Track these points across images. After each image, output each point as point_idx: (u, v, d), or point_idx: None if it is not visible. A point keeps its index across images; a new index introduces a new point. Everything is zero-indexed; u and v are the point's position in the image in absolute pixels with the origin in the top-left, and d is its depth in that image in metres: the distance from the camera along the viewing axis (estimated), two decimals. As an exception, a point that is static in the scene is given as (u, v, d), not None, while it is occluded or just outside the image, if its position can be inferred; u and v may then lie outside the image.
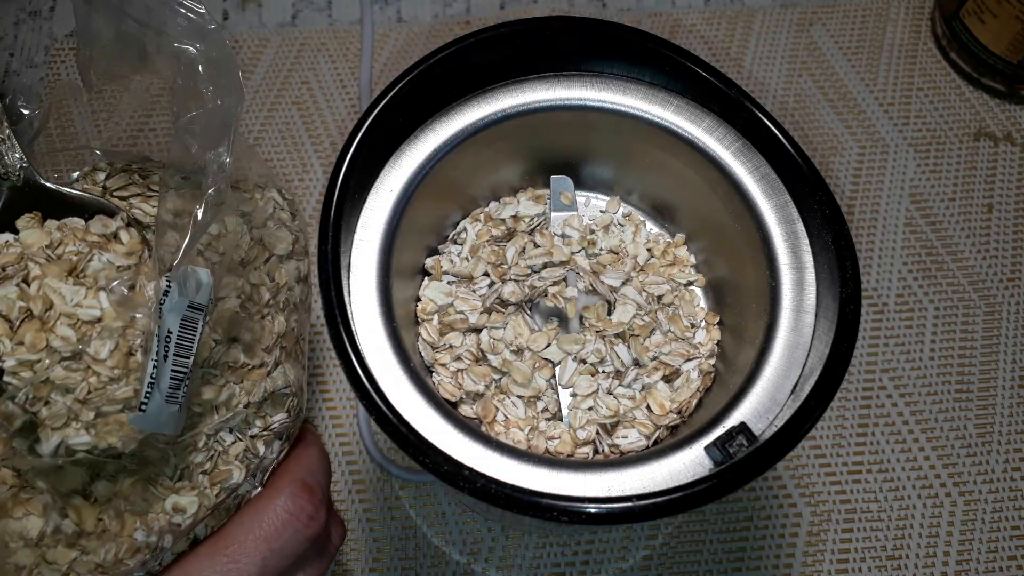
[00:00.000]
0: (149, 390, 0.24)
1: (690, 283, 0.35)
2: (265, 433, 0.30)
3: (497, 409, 0.31)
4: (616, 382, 0.32)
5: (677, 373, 0.33)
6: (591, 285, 0.33)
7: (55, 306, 0.24)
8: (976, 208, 0.51)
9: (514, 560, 0.42)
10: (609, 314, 0.33)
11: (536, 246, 0.34)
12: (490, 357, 0.32)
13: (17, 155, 0.28)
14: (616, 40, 0.32)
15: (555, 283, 0.33)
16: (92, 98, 0.51)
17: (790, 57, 0.54)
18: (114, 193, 0.30)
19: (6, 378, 0.24)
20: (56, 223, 0.28)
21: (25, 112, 0.30)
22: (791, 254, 0.31)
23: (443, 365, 0.32)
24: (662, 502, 0.25)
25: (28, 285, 0.25)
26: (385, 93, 0.30)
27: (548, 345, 0.32)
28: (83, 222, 0.28)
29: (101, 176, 0.31)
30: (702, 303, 0.35)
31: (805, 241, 0.31)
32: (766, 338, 0.30)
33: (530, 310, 0.33)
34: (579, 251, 0.34)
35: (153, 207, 0.30)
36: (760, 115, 0.31)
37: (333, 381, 0.46)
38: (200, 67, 0.25)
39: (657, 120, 0.33)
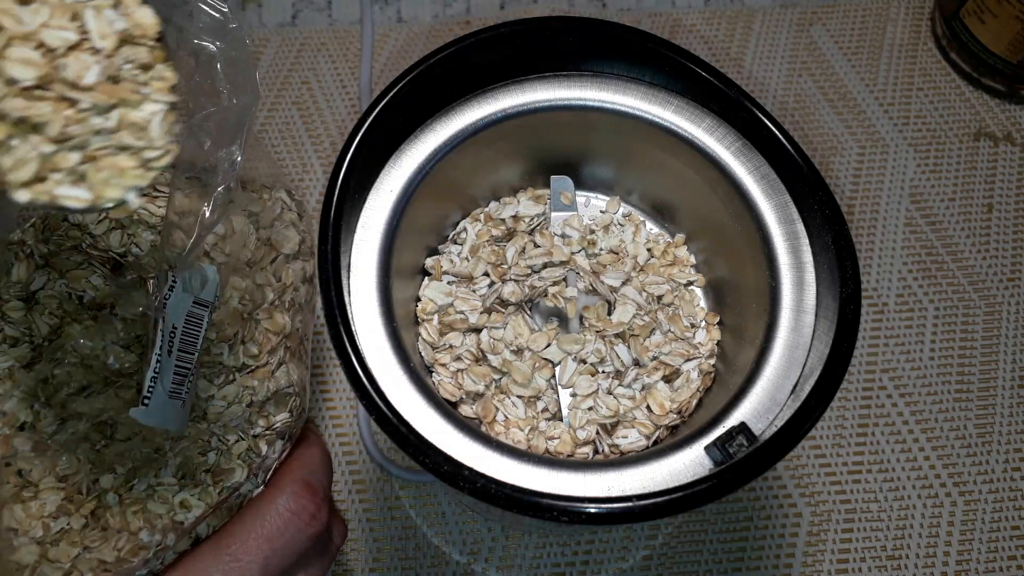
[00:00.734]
0: (152, 384, 0.24)
1: (690, 283, 0.35)
2: (268, 433, 0.30)
3: (497, 409, 0.31)
4: (616, 382, 0.32)
5: (677, 373, 0.33)
6: (591, 285, 0.33)
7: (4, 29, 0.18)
8: (976, 208, 0.51)
9: (514, 560, 0.42)
10: (609, 314, 0.33)
11: (536, 246, 0.34)
12: (490, 357, 0.32)
13: None
14: (616, 40, 0.32)
15: (555, 283, 0.33)
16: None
17: (790, 57, 0.55)
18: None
19: None
20: None
21: None
22: (791, 254, 0.31)
23: (443, 365, 0.32)
24: (662, 502, 0.25)
25: None
26: (385, 93, 0.30)
27: (548, 345, 0.32)
28: None
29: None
30: (702, 303, 0.35)
31: (805, 241, 0.31)
32: (766, 338, 0.30)
33: (530, 310, 0.33)
34: (579, 251, 0.34)
35: (159, 207, 0.30)
36: (760, 115, 0.31)
37: (333, 381, 0.46)
38: (218, 64, 0.25)
39: (657, 120, 0.33)
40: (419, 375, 0.29)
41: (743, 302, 0.33)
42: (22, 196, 0.18)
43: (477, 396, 0.32)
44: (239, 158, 0.25)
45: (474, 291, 0.33)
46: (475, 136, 0.33)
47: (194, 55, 0.26)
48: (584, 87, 0.33)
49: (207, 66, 0.25)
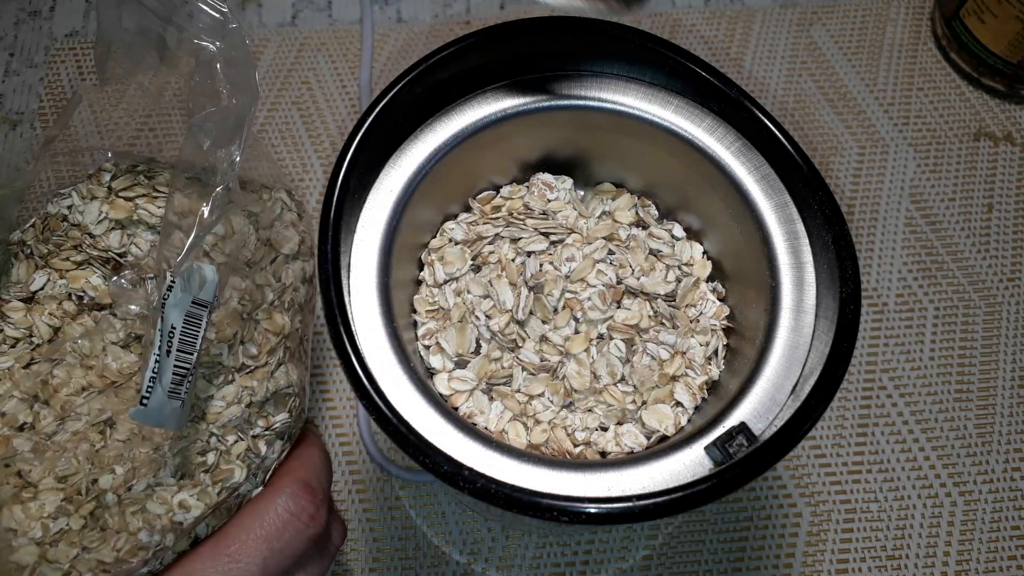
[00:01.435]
0: (151, 384, 0.24)
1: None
2: (267, 433, 0.30)
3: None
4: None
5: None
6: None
7: None
8: (976, 208, 0.51)
9: (514, 560, 0.42)
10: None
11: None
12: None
13: None
14: (616, 40, 0.32)
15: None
16: (94, 99, 0.51)
17: (790, 57, 0.54)
18: (120, 194, 0.30)
19: None
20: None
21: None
22: (791, 254, 0.31)
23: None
24: (662, 502, 0.25)
25: None
26: (385, 93, 0.30)
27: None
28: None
29: (107, 177, 0.31)
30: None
31: (805, 241, 0.31)
32: (766, 338, 0.30)
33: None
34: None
35: (159, 208, 0.30)
36: (760, 115, 0.31)
37: (333, 381, 0.46)
38: (218, 65, 0.25)
39: (657, 120, 0.33)
40: (419, 375, 0.29)
41: (744, 303, 0.33)
42: None
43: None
44: (238, 158, 0.25)
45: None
46: (475, 136, 0.33)
47: (194, 55, 0.26)
48: (584, 87, 0.33)
49: (207, 66, 0.25)
